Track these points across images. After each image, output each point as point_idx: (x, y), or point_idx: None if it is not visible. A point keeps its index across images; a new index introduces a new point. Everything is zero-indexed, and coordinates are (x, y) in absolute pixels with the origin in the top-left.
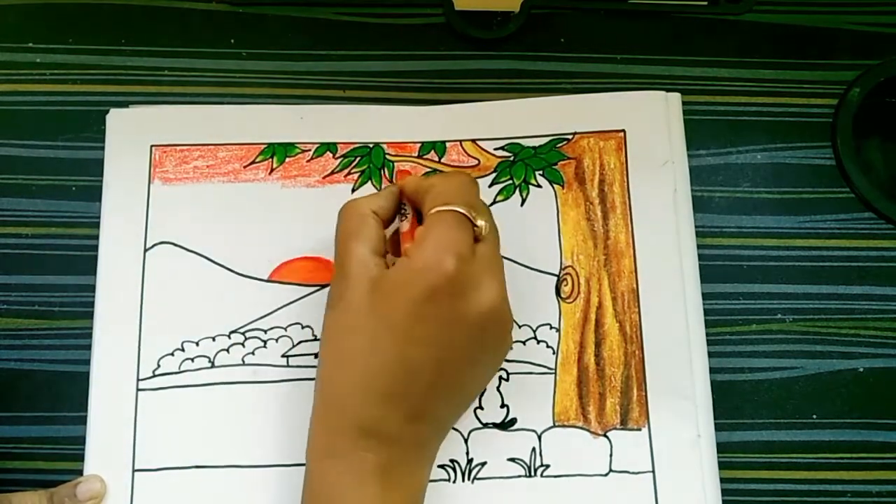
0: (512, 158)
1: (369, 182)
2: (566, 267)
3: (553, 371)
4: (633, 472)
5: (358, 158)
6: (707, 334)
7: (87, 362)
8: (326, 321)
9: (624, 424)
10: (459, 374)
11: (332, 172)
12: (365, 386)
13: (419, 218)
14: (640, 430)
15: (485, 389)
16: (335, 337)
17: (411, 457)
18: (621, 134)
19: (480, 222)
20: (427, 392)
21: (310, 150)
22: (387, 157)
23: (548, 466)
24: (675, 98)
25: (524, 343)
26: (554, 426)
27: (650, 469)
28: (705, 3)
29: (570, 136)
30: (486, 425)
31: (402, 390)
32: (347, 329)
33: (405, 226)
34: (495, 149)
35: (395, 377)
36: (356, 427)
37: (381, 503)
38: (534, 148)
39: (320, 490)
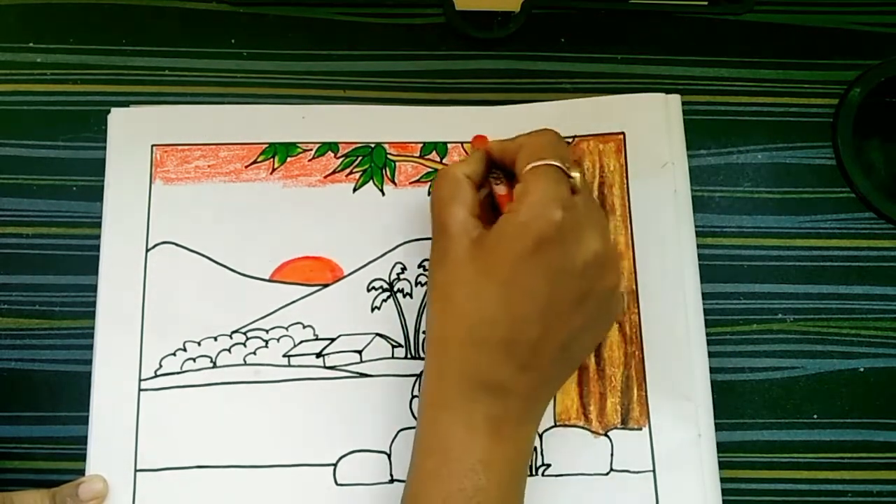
0: None
1: (371, 182)
2: None
3: None
4: (634, 472)
5: (359, 158)
6: (707, 334)
7: (89, 362)
8: (433, 279)
9: (625, 424)
10: (566, 327)
11: (334, 172)
12: (474, 335)
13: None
14: (640, 429)
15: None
16: (442, 292)
17: (520, 410)
18: (620, 136)
19: (575, 174)
20: (536, 343)
21: (311, 149)
22: (388, 156)
23: (549, 466)
24: (675, 100)
25: None
26: (555, 426)
27: (651, 468)
28: (705, 3)
29: (570, 140)
30: None
31: (510, 339)
32: (453, 284)
33: (501, 189)
34: None
35: (502, 326)
36: (468, 377)
37: (489, 454)
38: None
39: (431, 439)
